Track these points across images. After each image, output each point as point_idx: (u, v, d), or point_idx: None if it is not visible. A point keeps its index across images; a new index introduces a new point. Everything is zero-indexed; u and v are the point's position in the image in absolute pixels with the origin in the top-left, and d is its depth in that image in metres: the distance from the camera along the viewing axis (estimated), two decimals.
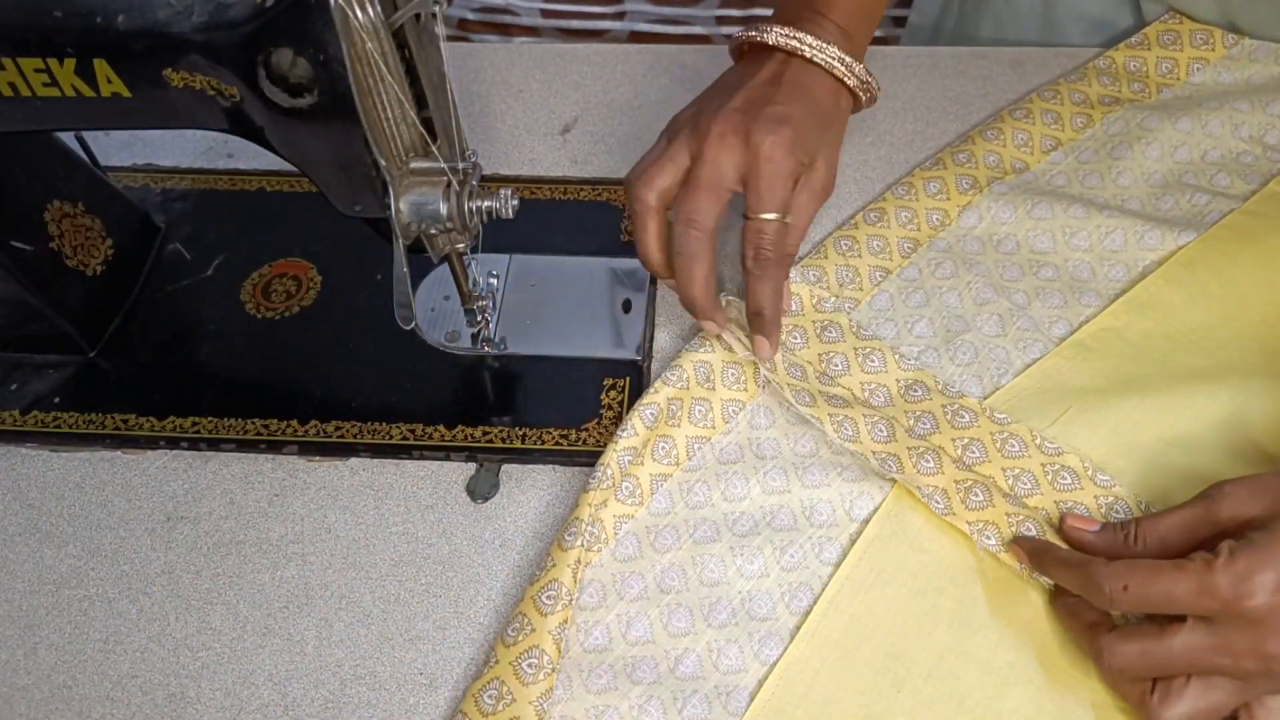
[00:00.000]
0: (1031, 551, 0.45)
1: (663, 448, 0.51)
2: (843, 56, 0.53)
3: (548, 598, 0.45)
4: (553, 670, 0.44)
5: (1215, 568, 0.38)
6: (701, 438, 0.52)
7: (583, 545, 0.47)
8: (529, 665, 0.44)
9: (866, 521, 0.48)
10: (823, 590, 0.47)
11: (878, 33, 0.80)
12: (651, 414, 0.51)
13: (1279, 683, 0.39)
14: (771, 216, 0.49)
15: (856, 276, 0.57)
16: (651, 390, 0.52)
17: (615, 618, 0.47)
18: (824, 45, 0.52)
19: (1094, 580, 0.41)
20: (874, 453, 0.49)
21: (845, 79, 0.53)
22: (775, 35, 0.53)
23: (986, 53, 0.69)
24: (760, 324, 0.51)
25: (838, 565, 0.47)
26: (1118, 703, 0.43)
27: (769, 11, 0.84)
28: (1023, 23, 0.73)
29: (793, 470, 0.50)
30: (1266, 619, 0.37)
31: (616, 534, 0.49)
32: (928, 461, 0.49)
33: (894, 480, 0.49)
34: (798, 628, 0.46)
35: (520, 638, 0.45)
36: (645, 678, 0.45)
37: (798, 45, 0.52)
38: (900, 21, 0.96)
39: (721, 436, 0.52)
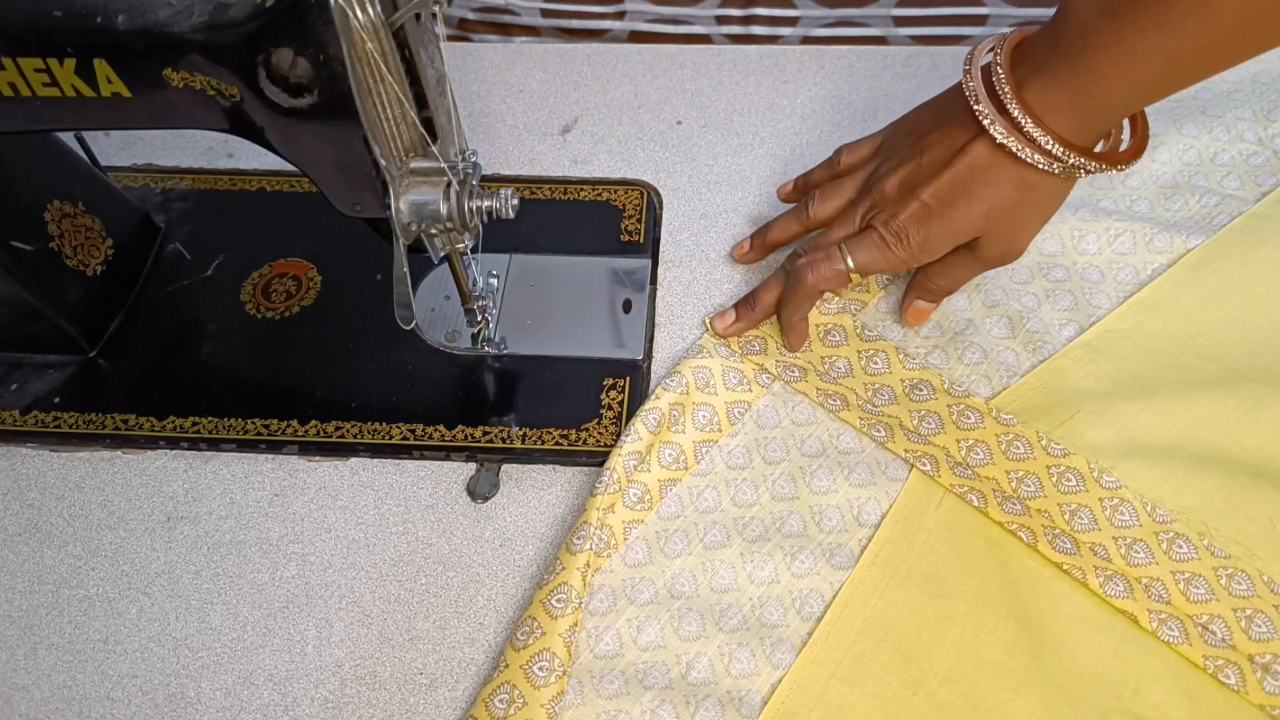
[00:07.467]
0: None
1: (669, 453, 0.51)
2: (1055, 151, 0.45)
3: (557, 601, 0.45)
4: (564, 673, 0.44)
5: None
6: (709, 441, 0.52)
7: (591, 549, 0.47)
8: (540, 669, 0.44)
9: (876, 526, 0.48)
10: (835, 595, 0.46)
11: (877, 32, 0.80)
12: (655, 419, 0.51)
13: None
14: (849, 263, 0.51)
15: (863, 279, 0.57)
16: (653, 396, 0.52)
17: (626, 623, 0.46)
18: (1037, 141, 0.45)
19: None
20: (866, 424, 0.50)
21: (1050, 172, 0.46)
22: (997, 129, 0.46)
23: None
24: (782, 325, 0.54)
25: (849, 570, 0.47)
26: (1131, 709, 0.43)
27: (770, 11, 0.83)
28: None
29: (801, 476, 0.50)
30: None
31: (626, 539, 0.49)
32: (925, 465, 0.49)
33: (902, 482, 0.49)
34: (810, 633, 0.46)
35: (530, 641, 0.45)
36: (657, 683, 0.45)
37: (1014, 147, 0.46)
38: None
39: (729, 439, 0.52)
